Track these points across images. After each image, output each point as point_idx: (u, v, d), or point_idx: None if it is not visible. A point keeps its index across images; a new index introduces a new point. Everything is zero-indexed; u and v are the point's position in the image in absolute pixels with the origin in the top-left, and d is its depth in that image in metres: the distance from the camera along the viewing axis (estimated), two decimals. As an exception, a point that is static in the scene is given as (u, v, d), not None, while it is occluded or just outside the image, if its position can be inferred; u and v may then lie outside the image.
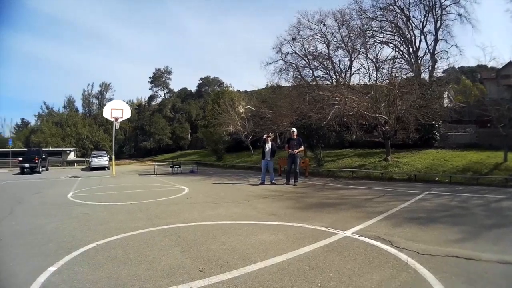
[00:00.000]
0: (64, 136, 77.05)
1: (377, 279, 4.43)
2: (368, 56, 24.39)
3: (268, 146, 17.41)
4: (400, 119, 21.49)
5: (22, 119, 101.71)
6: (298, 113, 26.34)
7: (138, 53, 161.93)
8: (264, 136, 18.36)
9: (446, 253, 5.28)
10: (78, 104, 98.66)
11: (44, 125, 79.69)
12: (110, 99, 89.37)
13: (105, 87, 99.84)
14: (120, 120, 26.71)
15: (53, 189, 17.16)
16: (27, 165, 32.66)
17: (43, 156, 37.69)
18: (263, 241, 6.37)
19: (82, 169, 41.91)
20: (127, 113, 27.48)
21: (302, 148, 17.26)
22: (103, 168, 37.14)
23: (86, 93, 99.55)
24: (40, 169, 34.08)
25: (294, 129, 17.54)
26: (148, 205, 11.25)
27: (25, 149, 45.99)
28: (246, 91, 59.87)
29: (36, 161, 33.27)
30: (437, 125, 23.08)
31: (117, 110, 26.51)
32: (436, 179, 16.21)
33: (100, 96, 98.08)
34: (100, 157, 39.18)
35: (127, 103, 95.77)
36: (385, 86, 22.27)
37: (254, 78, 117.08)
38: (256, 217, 8.66)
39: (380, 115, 21.07)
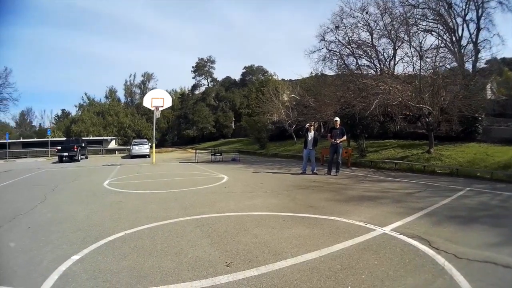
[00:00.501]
0: (106, 125, 78.75)
1: (411, 284, 4.04)
2: (412, 44, 23.57)
3: (311, 135, 16.93)
4: (444, 110, 20.78)
5: (63, 110, 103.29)
6: (342, 102, 25.72)
7: (181, 43, 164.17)
8: (307, 125, 17.72)
9: (484, 259, 4.79)
10: (120, 94, 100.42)
11: (85, 115, 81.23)
12: (153, 89, 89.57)
13: (147, 77, 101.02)
14: (160, 109, 26.61)
15: (90, 177, 17.27)
16: (65, 154, 33.16)
17: (82, 145, 38.10)
18: (297, 235, 5.98)
19: (123, 157, 42.29)
20: (167, 102, 27.31)
21: (345, 137, 16.80)
22: (143, 156, 37.12)
23: (128, 83, 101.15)
24: (80, 158, 34.57)
25: (337, 118, 17.06)
26: (184, 193, 11.06)
27: (64, 139, 46.91)
28: (290, 80, 59.00)
29: (75, 149, 33.69)
30: (480, 118, 21.86)
31: (157, 99, 26.42)
32: (478, 174, 15.35)
33: (142, 86, 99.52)
34: (141, 145, 39.18)
35: (170, 92, 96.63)
36: (429, 76, 21.43)
37: (298, 67, 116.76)
38: (293, 209, 8.26)
39: (424, 106, 20.23)
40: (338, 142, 16.06)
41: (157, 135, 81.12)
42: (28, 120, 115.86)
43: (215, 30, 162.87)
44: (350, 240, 5.68)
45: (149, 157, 34.97)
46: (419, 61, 21.87)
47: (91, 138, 65.36)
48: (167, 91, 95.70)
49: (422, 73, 21.70)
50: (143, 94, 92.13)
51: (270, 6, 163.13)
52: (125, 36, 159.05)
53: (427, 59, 22.11)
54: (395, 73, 25.52)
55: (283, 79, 65.36)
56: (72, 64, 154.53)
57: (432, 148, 20.48)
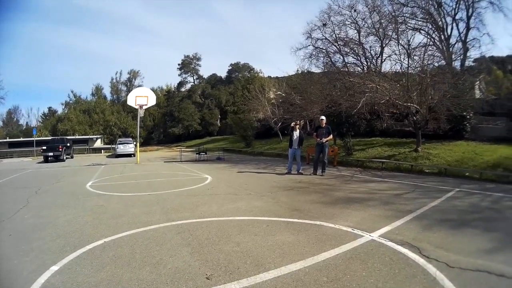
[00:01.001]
0: (92, 123, 78.92)
1: (401, 297, 3.78)
2: (400, 42, 23.49)
3: (296, 134, 16.72)
4: (432, 109, 20.64)
5: (49, 108, 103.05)
6: (328, 100, 25.49)
7: (167, 40, 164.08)
8: (292, 124, 17.50)
9: (477, 267, 4.62)
10: (106, 91, 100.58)
11: (71, 113, 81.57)
12: (139, 86, 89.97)
13: (133, 74, 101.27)
14: (144, 107, 26.38)
15: (73, 178, 17.01)
16: (51, 154, 32.98)
17: (68, 144, 37.85)
18: (281, 242, 5.76)
19: (108, 156, 42.14)
20: (152, 100, 27.01)
21: (331, 136, 16.54)
22: (129, 155, 36.89)
23: (114, 80, 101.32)
24: (65, 157, 34.47)
25: (323, 117, 16.80)
26: (166, 196, 10.83)
27: (49, 138, 46.46)
28: (276, 77, 58.94)
29: (60, 149, 33.55)
30: (468, 116, 22.08)
31: (141, 98, 26.08)
32: (467, 174, 15.24)
33: (128, 83, 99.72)
34: (125, 144, 38.98)
35: (156, 90, 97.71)
36: (417, 74, 21.27)
37: (285, 65, 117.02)
38: (277, 213, 8.04)
39: (411, 104, 20.19)
40: (324, 141, 15.83)
41: (143, 133, 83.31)
42: (15, 119, 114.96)
43: (202, 27, 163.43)
44: (336, 248, 5.46)
45: (134, 156, 34.50)
46: (407, 59, 21.87)
47: (77, 137, 65.11)
48: (153, 88, 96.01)
49: (409, 71, 21.68)
50: (129, 91, 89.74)
51: (258, 2, 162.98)
52: (112, 32, 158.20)
53: (415, 57, 22.10)
54: (382, 71, 25.39)
55: (269, 77, 65.20)
56: (59, 60, 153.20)
57: (420, 147, 20.45)
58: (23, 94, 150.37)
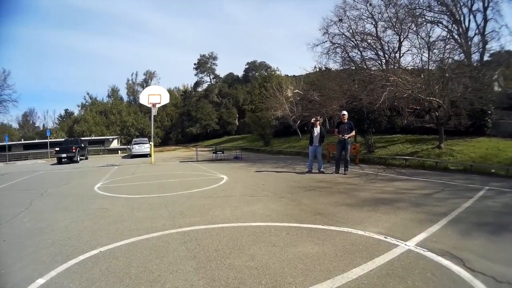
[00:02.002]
0: (109, 124, 79.07)
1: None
2: (419, 35, 22.65)
3: (317, 130, 15.78)
4: (454, 103, 19.92)
5: (66, 110, 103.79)
6: (348, 95, 24.73)
7: (182, 41, 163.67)
8: (312, 120, 16.54)
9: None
10: (123, 93, 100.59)
11: (88, 114, 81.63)
12: None
13: (149, 75, 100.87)
14: (158, 105, 25.66)
15: (83, 179, 16.43)
16: (64, 155, 32.61)
17: (82, 145, 37.52)
18: (304, 255, 4.86)
19: (123, 157, 41.62)
20: (165, 99, 26.31)
21: (353, 133, 15.66)
22: (144, 156, 36.24)
23: (130, 81, 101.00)
24: (78, 159, 34.19)
25: (345, 112, 15.81)
26: (177, 198, 10.04)
27: (62, 139, 46.62)
28: (294, 76, 58.09)
29: (74, 150, 33.12)
30: (489, 111, 21.16)
31: (154, 96, 25.44)
32: (492, 171, 14.39)
33: (145, 84, 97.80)
34: (141, 144, 38.48)
35: (173, 90, 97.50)
36: (439, 67, 20.71)
37: (302, 62, 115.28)
38: (298, 217, 7.14)
39: (433, 99, 19.24)
40: (346, 138, 14.95)
41: (161, 133, 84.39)
42: (31, 121, 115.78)
43: (217, 26, 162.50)
44: (369, 261, 4.57)
45: (150, 156, 33.72)
46: (426, 53, 20.98)
47: (93, 138, 65.23)
48: (169, 89, 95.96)
49: (430, 64, 20.97)
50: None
51: (270, 1, 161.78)
52: (127, 35, 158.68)
53: (434, 51, 21.09)
54: (402, 65, 24.47)
55: (286, 75, 64.30)
56: (74, 63, 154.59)
57: (443, 143, 19.67)
58: (39, 97, 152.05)
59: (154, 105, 25.23)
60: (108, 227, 6.83)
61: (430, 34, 21.99)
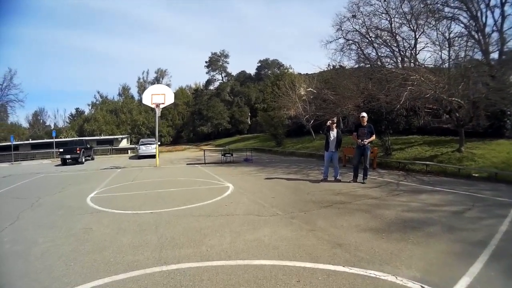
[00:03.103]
0: (119, 123, 79.79)
1: None
2: (438, 30, 22.30)
3: (333, 134, 14.33)
4: (475, 104, 18.77)
5: (77, 109, 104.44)
6: (365, 95, 23.50)
7: (194, 39, 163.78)
8: (328, 123, 14.89)
9: None
10: (134, 91, 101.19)
11: (98, 113, 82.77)
12: (167, 85, 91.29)
13: (160, 73, 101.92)
14: (162, 106, 24.55)
15: (80, 186, 15.45)
16: (68, 156, 32.15)
17: (87, 146, 37.26)
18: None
19: (130, 158, 40.91)
20: (169, 98, 25.21)
21: (373, 137, 14.13)
22: (151, 156, 34.87)
23: (141, 80, 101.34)
24: (83, 160, 33.54)
25: (365, 114, 14.30)
26: (172, 216, 8.76)
27: (67, 140, 47.07)
28: (306, 74, 56.85)
29: (78, 151, 32.48)
30: (508, 112, 20.32)
31: (158, 96, 24.37)
32: None
33: (156, 83, 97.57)
34: (148, 145, 37.47)
35: (184, 88, 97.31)
36: (462, 65, 19.78)
37: (314, 61, 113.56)
38: (313, 252, 5.80)
39: (455, 99, 18.36)
40: (366, 143, 13.57)
41: (172, 131, 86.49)
42: (41, 120, 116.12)
43: (228, 24, 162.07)
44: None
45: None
46: (446, 50, 20.84)
47: (101, 137, 65.52)
48: (181, 87, 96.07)
49: (451, 62, 20.61)
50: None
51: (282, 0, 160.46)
52: (138, 33, 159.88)
53: (454, 47, 20.93)
54: (420, 63, 23.39)
55: (299, 73, 63.03)
56: (85, 62, 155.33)
57: (463, 147, 18.76)
58: (50, 97, 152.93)
59: (157, 105, 24.19)
60: (85, 258, 5.85)
61: (448, 30, 21.86)
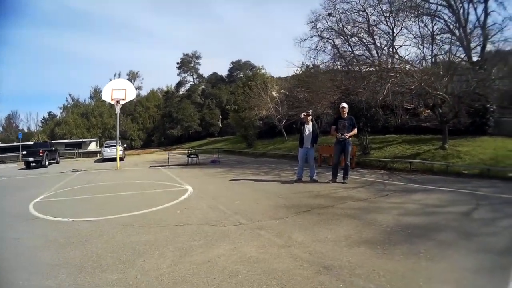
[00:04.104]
0: (90, 126, 78.99)
1: None
2: (419, 26, 22.54)
3: (308, 128, 12.60)
4: (460, 99, 18.02)
5: (49, 113, 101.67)
6: (342, 89, 22.35)
7: (167, 41, 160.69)
8: (302, 115, 13.14)
9: None
10: None
11: (69, 117, 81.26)
12: (139, 88, 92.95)
13: (132, 75, 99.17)
14: (122, 102, 22.89)
15: (30, 191, 13.64)
16: (31, 159, 30.13)
17: (52, 148, 35.48)
18: None
19: (96, 161, 39.14)
20: (131, 94, 23.65)
21: (355, 131, 12.35)
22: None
23: None
24: (47, 163, 31.44)
25: (345, 105, 12.53)
26: (110, 225, 7.15)
27: (31, 143, 44.09)
28: (280, 77, 55.78)
29: (41, 154, 30.56)
30: (492, 109, 19.59)
31: (119, 91, 22.62)
32: (510, 175, 12.60)
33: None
34: (113, 147, 35.51)
35: (156, 91, 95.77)
36: (437, 62, 20.02)
37: (291, 59, 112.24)
38: (288, 281, 4.00)
39: (439, 93, 17.39)
40: (347, 137, 11.83)
41: (143, 135, 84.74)
42: (14, 124, 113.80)
43: (203, 27, 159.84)
44: None
45: (123, 160, 32.62)
46: (427, 47, 20.94)
47: (69, 141, 64.79)
48: (153, 89, 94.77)
49: (431, 59, 20.59)
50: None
51: (260, 3, 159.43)
52: (110, 35, 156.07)
53: (436, 43, 21.09)
54: (399, 56, 22.84)
55: (272, 77, 61.99)
56: (56, 64, 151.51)
57: (446, 144, 17.90)
58: (22, 100, 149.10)
59: (118, 101, 22.44)
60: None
61: (430, 26, 22.06)
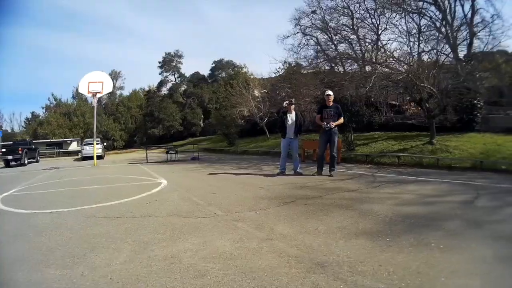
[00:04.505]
0: (72, 126, 77.42)
1: None
2: (404, 24, 22.53)
3: (291, 117, 11.78)
4: (448, 93, 17.69)
5: (32, 113, 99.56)
6: (326, 82, 22.03)
7: (149, 41, 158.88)
8: (285, 103, 12.49)
9: None
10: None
11: (52, 117, 79.52)
12: (121, 87, 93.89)
13: (114, 75, 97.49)
14: (99, 95, 22.45)
15: (2, 186, 12.83)
16: (10, 157, 29.34)
17: (32, 147, 34.58)
18: None
19: (75, 160, 38.20)
20: (108, 87, 22.85)
21: (342, 120, 11.49)
22: (97, 157, 32.47)
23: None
24: (26, 161, 30.66)
25: (330, 92, 11.75)
26: (71, 217, 6.53)
27: (11, 142, 43.20)
28: (262, 78, 55.34)
29: (20, 152, 29.78)
30: (479, 105, 19.37)
31: (95, 84, 21.86)
32: (503, 167, 12.30)
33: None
34: (92, 145, 33.85)
35: (138, 91, 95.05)
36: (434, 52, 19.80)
37: (273, 64, 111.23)
38: (272, 282, 3.13)
39: (427, 85, 16.79)
40: (333, 126, 10.98)
41: (125, 136, 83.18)
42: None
43: (185, 26, 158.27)
44: None
45: (103, 158, 32.74)
46: (412, 43, 21.23)
47: (50, 140, 65.76)
48: (135, 90, 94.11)
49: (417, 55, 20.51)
50: (110, 93, 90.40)
51: (245, 3, 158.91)
52: (93, 34, 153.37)
53: (421, 40, 21.40)
54: (384, 49, 22.95)
55: (254, 77, 61.70)
56: (40, 64, 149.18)
57: (434, 139, 17.46)
58: (7, 100, 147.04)
59: (94, 94, 21.83)
60: None
61: (414, 24, 22.20)
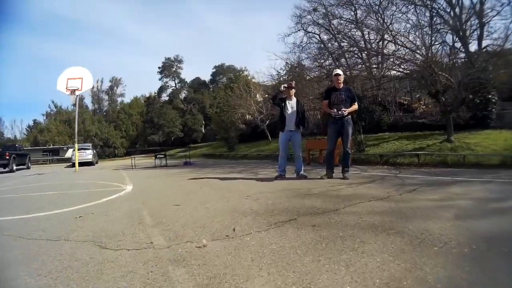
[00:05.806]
0: (72, 134, 76.12)
1: None
2: (411, 18, 20.21)
3: (291, 105, 9.23)
4: (468, 85, 16.05)
5: (34, 120, 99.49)
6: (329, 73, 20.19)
7: (150, 48, 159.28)
8: (283, 87, 9.66)
9: None
10: (88, 101, 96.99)
11: (52, 124, 79.91)
12: (121, 94, 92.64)
13: (115, 82, 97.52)
14: (78, 92, 20.44)
15: None
16: None
17: (22, 152, 33.04)
18: None
19: (67, 166, 36.11)
20: (88, 83, 20.98)
21: (356, 106, 8.95)
22: (87, 164, 31.92)
23: (95, 89, 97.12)
24: (14, 167, 28.85)
25: (340, 71, 9.04)
26: None
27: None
28: (264, 82, 54.16)
29: (7, 157, 28.01)
30: (493, 100, 18.42)
31: (74, 80, 20.08)
32: None
33: (110, 92, 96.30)
34: (82, 151, 33.34)
35: (139, 98, 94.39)
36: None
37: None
38: None
39: (444, 74, 15.85)
40: (346, 113, 8.44)
41: (126, 143, 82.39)
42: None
43: (186, 32, 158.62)
44: None
45: (94, 164, 32.14)
46: (422, 36, 18.95)
47: (47, 147, 66.16)
48: (136, 96, 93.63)
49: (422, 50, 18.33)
50: (111, 100, 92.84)
51: (244, 9, 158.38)
52: (94, 43, 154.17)
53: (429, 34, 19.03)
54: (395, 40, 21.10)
55: (255, 81, 60.46)
56: (42, 72, 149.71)
57: (452, 136, 15.99)
58: (8, 107, 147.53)
59: (73, 92, 19.98)
60: None
61: (421, 17, 20.06)
